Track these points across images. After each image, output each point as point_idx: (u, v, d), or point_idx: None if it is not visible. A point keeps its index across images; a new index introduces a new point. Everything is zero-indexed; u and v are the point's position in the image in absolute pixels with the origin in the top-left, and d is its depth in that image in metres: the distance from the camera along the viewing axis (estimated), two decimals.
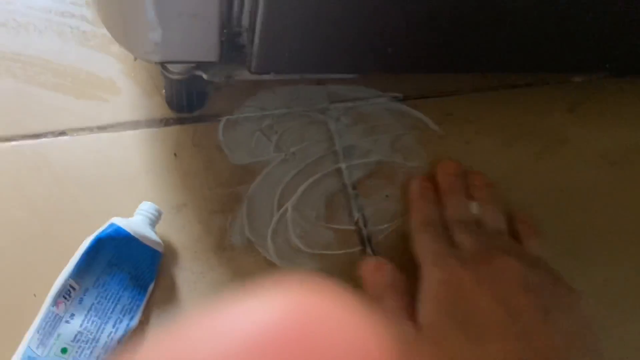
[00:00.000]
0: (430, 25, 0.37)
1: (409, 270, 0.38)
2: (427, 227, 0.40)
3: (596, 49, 0.43)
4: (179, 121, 0.44)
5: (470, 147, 0.47)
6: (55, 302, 0.35)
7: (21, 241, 0.39)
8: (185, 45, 0.34)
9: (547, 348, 0.32)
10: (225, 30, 0.34)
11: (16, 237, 0.39)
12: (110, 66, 0.46)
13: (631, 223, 0.46)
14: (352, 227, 0.43)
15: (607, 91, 0.50)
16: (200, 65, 0.39)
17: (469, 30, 0.38)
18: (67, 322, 0.35)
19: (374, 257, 0.41)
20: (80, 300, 0.35)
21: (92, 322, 0.35)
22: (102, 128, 0.43)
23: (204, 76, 0.39)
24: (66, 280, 0.35)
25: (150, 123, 0.44)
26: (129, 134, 0.43)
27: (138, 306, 0.37)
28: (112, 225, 0.37)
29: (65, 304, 0.35)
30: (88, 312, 0.35)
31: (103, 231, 0.36)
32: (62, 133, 0.43)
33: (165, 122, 0.44)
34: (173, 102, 0.44)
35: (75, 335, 0.35)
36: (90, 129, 0.43)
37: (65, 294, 0.35)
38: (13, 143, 0.42)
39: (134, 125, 0.44)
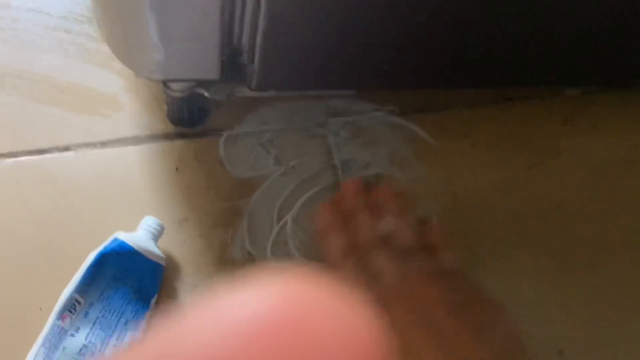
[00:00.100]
0: (427, 43, 0.38)
1: None
2: (342, 261, 0.39)
3: (589, 64, 0.44)
4: (181, 136, 0.45)
5: (466, 159, 0.48)
6: (60, 316, 0.36)
7: (27, 255, 0.40)
8: (186, 65, 0.35)
9: None
10: (226, 50, 0.35)
11: (22, 251, 0.40)
12: (113, 82, 0.46)
13: (623, 234, 0.47)
14: None
15: (599, 104, 0.51)
16: (201, 83, 0.40)
17: (464, 47, 0.39)
18: (72, 335, 0.36)
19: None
20: (86, 314, 0.36)
21: (97, 335, 0.36)
22: (105, 143, 0.44)
23: (206, 94, 0.40)
24: (71, 295, 0.36)
25: (152, 138, 0.45)
26: (132, 149, 0.44)
27: (141, 319, 0.38)
28: (115, 240, 0.37)
29: (71, 317, 0.36)
30: (93, 325, 0.36)
31: (107, 246, 0.37)
32: (66, 148, 0.44)
33: (167, 138, 0.45)
34: (175, 117, 0.45)
35: (81, 349, 0.36)
36: (93, 145, 0.44)
37: (70, 308, 0.36)
38: (18, 159, 0.43)
39: (136, 140, 0.45)
